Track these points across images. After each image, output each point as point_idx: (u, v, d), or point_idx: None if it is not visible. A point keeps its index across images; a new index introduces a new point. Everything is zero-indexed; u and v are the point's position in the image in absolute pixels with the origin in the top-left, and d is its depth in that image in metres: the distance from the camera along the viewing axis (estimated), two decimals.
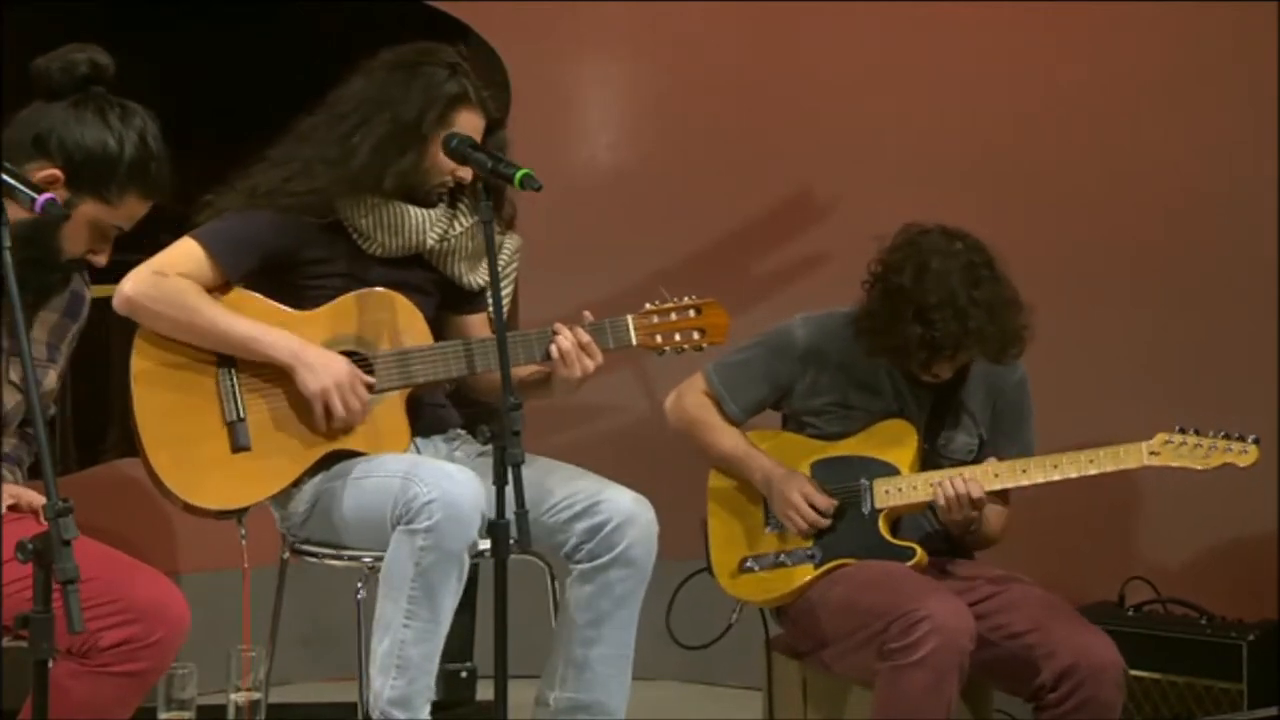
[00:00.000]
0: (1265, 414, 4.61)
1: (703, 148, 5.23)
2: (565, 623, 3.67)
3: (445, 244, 3.74)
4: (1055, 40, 4.97)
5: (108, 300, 3.79)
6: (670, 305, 3.71)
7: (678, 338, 3.71)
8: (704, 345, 3.73)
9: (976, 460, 3.93)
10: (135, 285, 3.58)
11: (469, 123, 3.67)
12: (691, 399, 4.05)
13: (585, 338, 3.63)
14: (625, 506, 3.63)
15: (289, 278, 3.68)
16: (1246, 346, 4.75)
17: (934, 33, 5.04)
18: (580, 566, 3.63)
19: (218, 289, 3.63)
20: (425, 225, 3.69)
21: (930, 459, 3.92)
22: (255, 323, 3.59)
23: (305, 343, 3.59)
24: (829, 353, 3.97)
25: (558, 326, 3.65)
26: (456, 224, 3.74)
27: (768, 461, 3.95)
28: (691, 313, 3.72)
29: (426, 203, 3.70)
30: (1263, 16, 4.73)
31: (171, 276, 3.57)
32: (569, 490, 3.65)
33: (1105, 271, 4.92)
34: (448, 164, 3.65)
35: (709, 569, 4.01)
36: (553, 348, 3.63)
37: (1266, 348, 4.70)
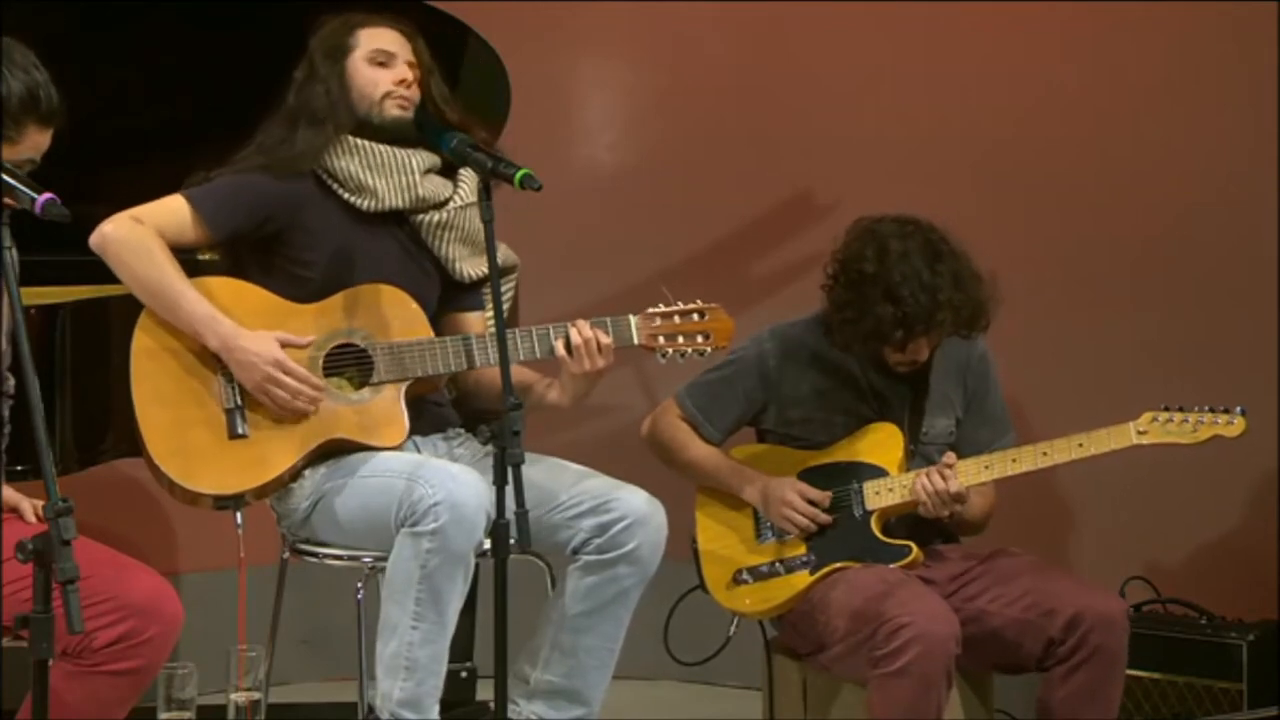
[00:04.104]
0: (1266, 414, 4.61)
1: (703, 148, 5.23)
2: (556, 606, 3.67)
3: (443, 215, 3.75)
4: (1055, 40, 4.97)
5: (107, 300, 3.80)
6: (675, 309, 3.71)
7: (681, 340, 3.70)
8: (707, 349, 3.72)
9: (953, 443, 3.95)
10: (114, 228, 3.60)
11: (373, 32, 3.76)
12: (668, 424, 4.05)
13: (606, 339, 3.63)
14: (638, 506, 3.63)
15: (284, 250, 3.69)
16: (1247, 345, 4.74)
17: (934, 33, 5.04)
18: (586, 558, 3.64)
19: (202, 245, 3.69)
20: (413, 166, 3.72)
21: (915, 451, 3.94)
22: (204, 301, 3.59)
23: (238, 333, 3.58)
24: (800, 359, 3.99)
25: (574, 322, 3.65)
26: (458, 196, 3.77)
27: (754, 472, 3.97)
28: (695, 316, 3.71)
29: (398, 136, 3.72)
30: (1263, 16, 4.73)
31: (147, 226, 3.60)
32: (580, 488, 3.65)
33: (1105, 271, 4.92)
34: (370, 71, 3.72)
35: (702, 587, 4.01)
36: (559, 343, 3.62)
37: (1267, 347, 4.69)
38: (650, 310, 3.71)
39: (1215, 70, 4.82)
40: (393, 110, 3.73)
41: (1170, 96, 4.87)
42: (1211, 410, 3.73)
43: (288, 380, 3.57)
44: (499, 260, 3.75)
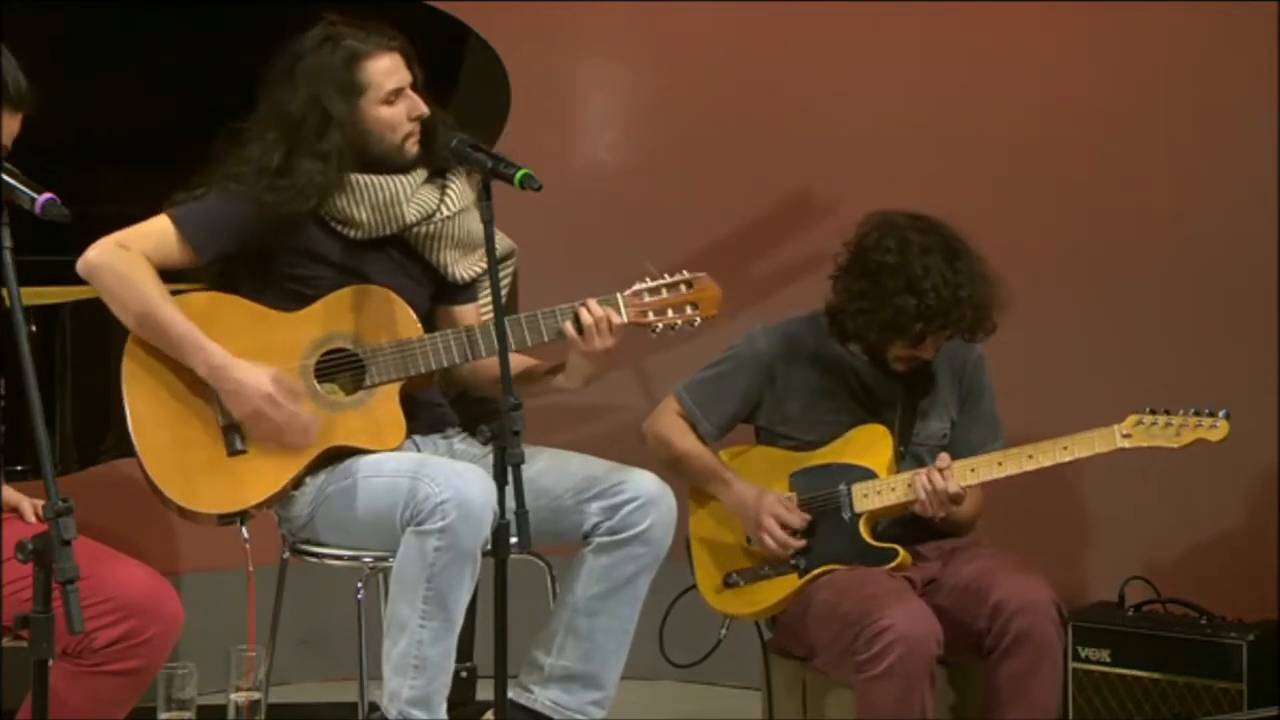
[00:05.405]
0: (1265, 414, 4.61)
1: (703, 148, 5.23)
2: (570, 592, 3.67)
3: (430, 226, 3.74)
4: (1055, 41, 4.97)
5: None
6: (661, 282, 3.70)
7: (670, 313, 3.69)
8: (697, 319, 3.71)
9: (946, 445, 3.95)
10: (100, 253, 3.58)
11: (381, 68, 3.66)
12: (666, 421, 4.06)
13: (617, 319, 3.63)
14: (649, 487, 3.64)
15: (276, 269, 3.68)
16: (1246, 346, 4.75)
17: (934, 33, 5.04)
18: (599, 540, 3.64)
19: (188, 267, 3.64)
20: (402, 195, 3.69)
21: (906, 453, 3.94)
22: (191, 327, 3.57)
23: (227, 363, 3.56)
24: (795, 358, 3.99)
25: (583, 301, 3.64)
26: (444, 207, 3.75)
27: (738, 484, 3.96)
28: (683, 287, 3.70)
29: (403, 165, 3.69)
30: (1263, 16, 4.73)
31: (133, 251, 3.58)
32: (587, 473, 3.66)
33: (1105, 271, 4.92)
34: (386, 112, 3.66)
35: (696, 586, 4.02)
36: (568, 324, 3.62)
37: (1267, 347, 4.70)
38: (637, 286, 3.70)
39: (1215, 70, 4.82)
40: (413, 149, 3.71)
41: (1170, 96, 4.87)
42: (1196, 413, 3.73)
43: (280, 410, 3.55)
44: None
